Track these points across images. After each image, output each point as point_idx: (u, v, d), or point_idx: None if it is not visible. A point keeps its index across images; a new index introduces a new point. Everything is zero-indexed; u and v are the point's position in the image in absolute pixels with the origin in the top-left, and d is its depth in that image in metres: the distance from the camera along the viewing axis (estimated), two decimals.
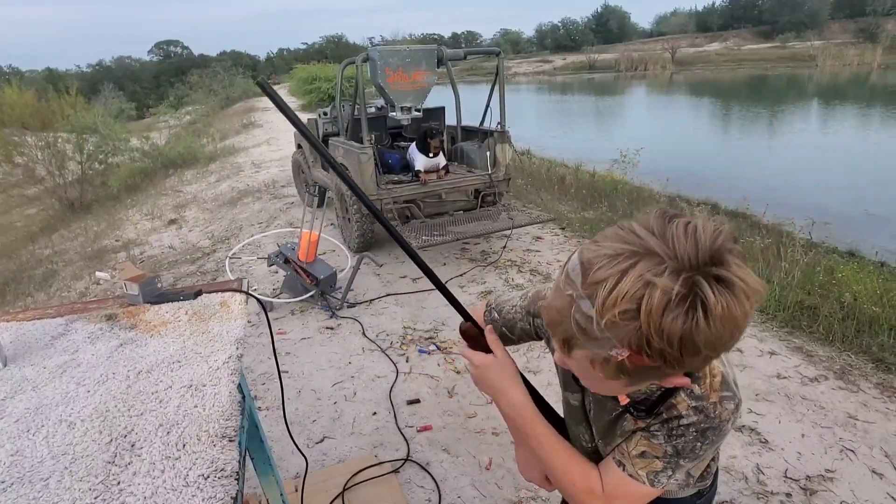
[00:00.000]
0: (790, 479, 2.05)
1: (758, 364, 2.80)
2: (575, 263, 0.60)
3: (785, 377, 2.68)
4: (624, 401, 0.75)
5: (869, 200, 7.09)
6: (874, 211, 6.68)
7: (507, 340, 0.99)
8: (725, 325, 0.54)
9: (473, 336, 0.88)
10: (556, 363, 0.79)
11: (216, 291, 1.36)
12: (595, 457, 0.84)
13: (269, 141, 13.48)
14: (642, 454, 0.73)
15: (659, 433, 0.72)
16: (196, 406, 0.87)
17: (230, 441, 0.78)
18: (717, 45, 56.88)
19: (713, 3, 75.48)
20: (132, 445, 0.78)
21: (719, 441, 0.73)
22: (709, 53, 49.97)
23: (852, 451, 2.17)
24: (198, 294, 1.35)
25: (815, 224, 5.13)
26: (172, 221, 7.25)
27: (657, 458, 0.72)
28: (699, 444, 0.71)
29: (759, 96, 23.27)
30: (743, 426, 2.34)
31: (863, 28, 46.50)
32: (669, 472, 0.72)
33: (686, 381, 0.65)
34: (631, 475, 0.74)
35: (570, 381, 0.89)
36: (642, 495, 0.74)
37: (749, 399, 2.53)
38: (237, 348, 1.06)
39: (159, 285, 1.37)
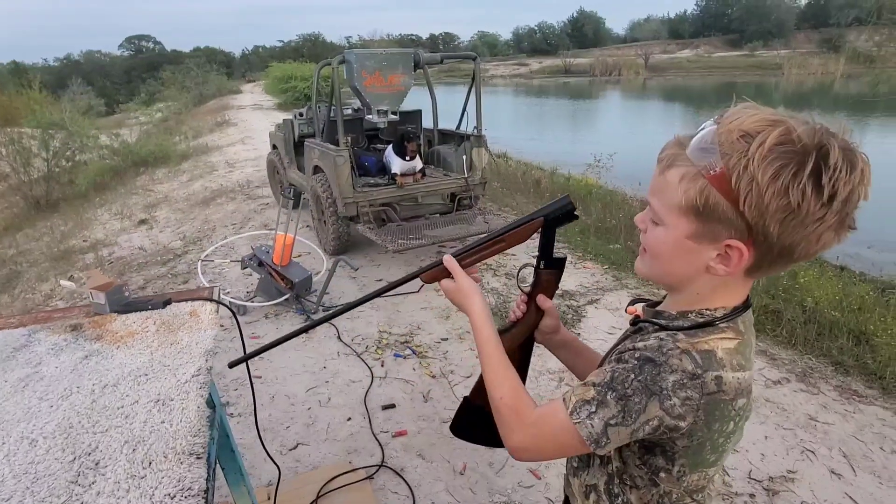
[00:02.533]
0: (754, 479, 2.12)
1: None
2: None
3: None
4: (633, 311, 0.77)
5: None
6: None
7: None
8: (819, 199, 0.56)
9: (436, 277, 0.91)
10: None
11: (186, 300, 1.34)
12: None
13: (244, 140, 13.27)
14: (585, 382, 0.70)
15: (613, 359, 0.70)
16: (163, 422, 0.86)
17: (198, 458, 0.77)
18: (688, 52, 58.23)
19: (685, 11, 77.49)
20: (96, 464, 0.77)
21: (649, 401, 0.64)
22: (680, 60, 51.14)
23: (812, 451, 2.26)
24: (167, 303, 1.33)
25: None
26: (143, 221, 7.08)
27: (594, 384, 0.68)
28: (632, 377, 0.65)
29: (728, 103, 23.84)
30: None
31: (826, 38, 48.17)
32: (593, 407, 0.67)
33: (730, 268, 0.64)
34: (564, 399, 0.70)
35: None
36: (559, 427, 0.69)
37: None
38: (207, 360, 1.05)
39: (127, 294, 1.35)
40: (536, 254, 0.95)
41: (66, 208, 9.82)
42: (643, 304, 0.80)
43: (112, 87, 53.44)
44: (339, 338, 3.32)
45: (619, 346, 0.73)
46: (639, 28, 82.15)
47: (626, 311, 0.83)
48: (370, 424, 2.49)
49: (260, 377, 2.91)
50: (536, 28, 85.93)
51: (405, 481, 2.15)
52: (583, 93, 33.73)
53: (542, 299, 0.92)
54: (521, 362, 0.93)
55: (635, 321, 0.77)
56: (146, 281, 4.61)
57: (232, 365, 0.90)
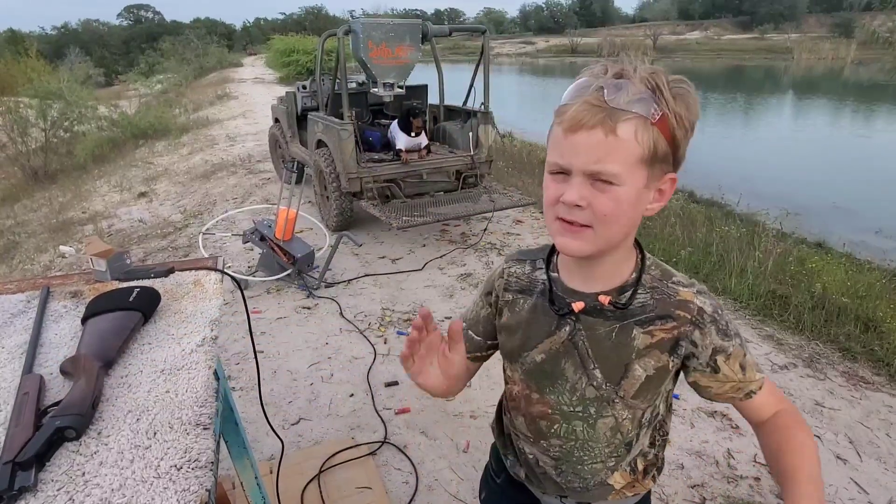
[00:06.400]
0: (759, 463, 2.10)
1: None
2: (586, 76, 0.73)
3: None
4: (605, 300, 0.76)
5: (837, 193, 7.28)
6: (841, 203, 6.87)
7: (476, 346, 0.97)
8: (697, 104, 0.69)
9: None
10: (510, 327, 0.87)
11: (189, 269, 1.29)
12: (601, 404, 0.80)
13: (245, 114, 13.10)
14: (743, 368, 0.77)
15: (728, 343, 0.76)
16: (168, 391, 0.82)
17: (205, 429, 0.74)
18: (697, 33, 57.33)
19: None
20: (98, 433, 0.73)
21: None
22: (689, 42, 50.40)
23: (818, 437, 2.24)
24: (170, 271, 1.28)
25: (788, 215, 5.24)
26: (143, 194, 7.01)
27: (745, 353, 0.78)
28: (728, 315, 0.79)
29: (736, 87, 23.57)
30: (715, 412, 2.39)
31: (838, 23, 47.32)
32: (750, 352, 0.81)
33: (664, 201, 0.73)
34: (763, 386, 0.80)
35: (541, 329, 0.83)
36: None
37: None
38: (212, 330, 1.01)
39: (128, 261, 1.30)
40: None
41: (65, 179, 9.74)
42: (595, 300, 0.78)
43: (110, 58, 52.63)
44: (341, 314, 3.29)
45: (671, 327, 0.76)
46: (648, 8, 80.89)
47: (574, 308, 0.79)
48: (373, 401, 2.48)
49: (262, 352, 2.89)
50: (544, 5, 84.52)
51: (408, 458, 2.13)
52: None
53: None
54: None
55: (616, 305, 0.77)
56: (146, 253, 4.57)
57: None
